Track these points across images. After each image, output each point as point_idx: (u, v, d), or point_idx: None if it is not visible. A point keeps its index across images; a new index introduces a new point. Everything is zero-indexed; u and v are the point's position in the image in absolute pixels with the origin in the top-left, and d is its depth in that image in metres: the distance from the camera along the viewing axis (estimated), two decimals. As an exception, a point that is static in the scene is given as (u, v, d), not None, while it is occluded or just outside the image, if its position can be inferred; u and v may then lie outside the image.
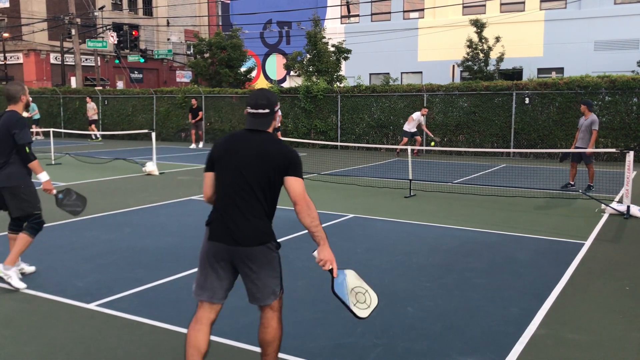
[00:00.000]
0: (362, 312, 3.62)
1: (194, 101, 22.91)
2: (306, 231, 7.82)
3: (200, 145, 22.99)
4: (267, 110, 3.50)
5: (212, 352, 4.16)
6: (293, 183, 3.42)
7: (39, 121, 26.78)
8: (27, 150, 5.39)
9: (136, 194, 11.02)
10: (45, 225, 8.11)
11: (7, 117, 5.44)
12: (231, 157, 3.46)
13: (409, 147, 12.42)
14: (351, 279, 3.69)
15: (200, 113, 22.76)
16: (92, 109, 25.79)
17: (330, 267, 3.51)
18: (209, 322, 3.57)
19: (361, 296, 3.67)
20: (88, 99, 25.99)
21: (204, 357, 3.49)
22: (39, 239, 7.40)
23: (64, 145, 23.15)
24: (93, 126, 25.54)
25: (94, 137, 25.72)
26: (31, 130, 26.81)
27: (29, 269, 5.90)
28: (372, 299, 3.72)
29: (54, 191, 5.76)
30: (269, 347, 3.65)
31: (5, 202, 5.55)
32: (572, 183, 11.78)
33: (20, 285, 5.46)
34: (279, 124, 21.01)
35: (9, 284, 5.45)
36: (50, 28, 37.82)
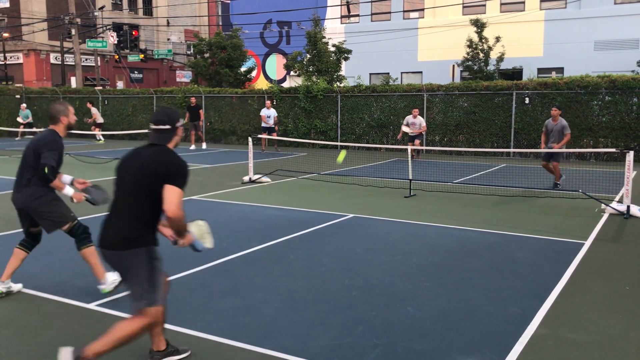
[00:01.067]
0: (210, 243, 4.05)
1: (193, 99, 22.18)
2: (306, 231, 7.84)
3: (204, 146, 22.52)
4: (167, 127, 3.77)
5: (212, 352, 4.17)
6: (168, 192, 3.54)
7: (32, 124, 26.76)
8: (46, 171, 5.14)
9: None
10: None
11: (42, 135, 5.38)
12: (123, 169, 3.75)
13: (409, 147, 12.43)
14: (194, 230, 3.95)
15: (200, 112, 22.16)
16: (96, 113, 25.63)
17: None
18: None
19: (203, 229, 4.03)
20: (89, 104, 25.67)
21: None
22: (39, 239, 7.41)
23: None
24: (98, 129, 25.31)
25: (97, 139, 25.62)
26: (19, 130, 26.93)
27: (16, 286, 5.56)
28: (204, 225, 4.06)
29: (84, 199, 5.51)
30: (110, 332, 3.63)
31: (35, 221, 5.39)
32: (559, 182, 11.93)
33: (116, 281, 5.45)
34: (280, 126, 20.74)
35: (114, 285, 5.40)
36: (50, 28, 37.81)
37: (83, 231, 5.43)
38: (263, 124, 20.36)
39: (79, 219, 5.52)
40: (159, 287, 3.69)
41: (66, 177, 5.47)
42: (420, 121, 17.05)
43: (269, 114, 20.19)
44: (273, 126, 20.38)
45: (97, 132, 24.53)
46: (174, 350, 4.10)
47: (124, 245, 3.58)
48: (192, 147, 21.98)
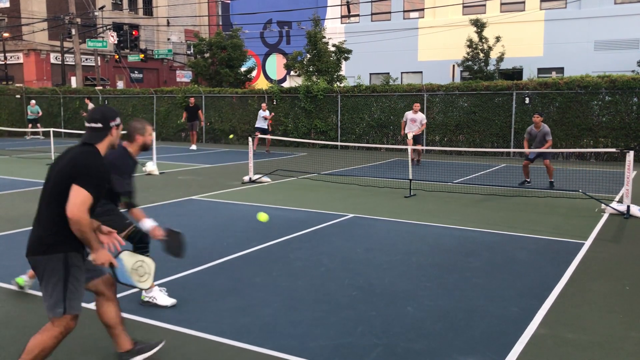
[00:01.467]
0: (146, 283, 4.03)
1: (192, 99, 21.94)
2: (306, 231, 7.84)
3: (193, 147, 21.93)
4: (99, 125, 3.65)
5: (212, 352, 4.17)
6: (72, 192, 3.34)
7: (38, 120, 26.77)
8: (123, 196, 5.37)
9: (136, 194, 11.00)
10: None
11: (114, 154, 4.79)
12: (51, 169, 3.56)
13: (409, 147, 12.42)
14: (127, 260, 3.89)
15: (200, 112, 21.99)
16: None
17: (109, 262, 3.58)
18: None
19: (141, 269, 3.97)
20: (87, 100, 25.92)
21: None
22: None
23: (64, 145, 23.15)
24: None
25: None
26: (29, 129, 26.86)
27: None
28: (150, 265, 4.07)
29: (161, 234, 5.38)
30: (26, 350, 3.49)
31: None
32: (529, 180, 12.29)
33: (166, 301, 5.11)
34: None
35: (156, 304, 5.09)
36: (50, 28, 37.82)
37: (144, 242, 5.38)
38: (256, 125, 20.06)
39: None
40: (72, 296, 3.47)
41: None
42: (422, 117, 15.88)
43: (263, 114, 20.00)
44: (266, 128, 20.07)
45: None
46: (144, 347, 3.98)
47: (41, 250, 3.41)
48: (193, 147, 21.80)
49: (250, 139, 13.42)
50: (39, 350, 3.47)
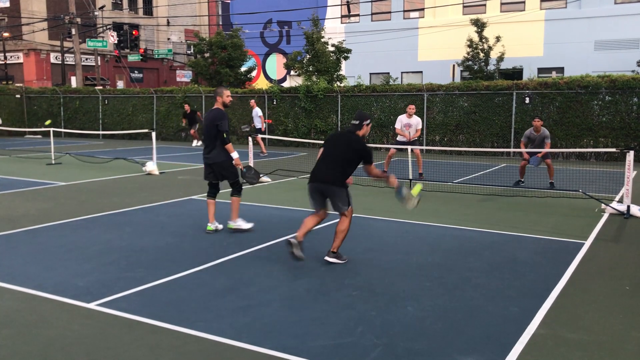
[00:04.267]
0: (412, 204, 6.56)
1: (187, 106, 22.84)
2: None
3: (196, 143, 23.00)
4: (357, 122, 6.38)
5: (212, 352, 4.17)
6: (366, 163, 6.42)
7: None
8: (225, 135, 7.45)
9: (136, 194, 11.02)
10: (45, 225, 8.10)
11: (213, 113, 7.54)
12: (331, 143, 6.51)
13: (409, 147, 12.38)
14: (404, 190, 6.56)
15: (198, 114, 22.68)
16: None
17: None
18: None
19: (414, 199, 6.53)
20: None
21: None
22: (39, 239, 7.41)
23: (64, 144, 23.16)
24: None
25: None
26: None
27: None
28: (414, 194, 6.55)
29: (241, 166, 7.71)
30: (336, 233, 6.45)
31: (215, 173, 7.68)
32: (523, 180, 12.42)
33: (249, 225, 7.79)
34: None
35: (241, 229, 7.72)
36: (50, 28, 37.81)
37: (239, 187, 7.77)
38: (259, 125, 19.91)
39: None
40: (350, 200, 6.36)
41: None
42: (417, 122, 13.34)
43: (254, 113, 19.88)
44: (259, 127, 19.85)
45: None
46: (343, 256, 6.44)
47: (338, 184, 6.23)
48: (198, 143, 22.58)
49: (250, 139, 13.40)
50: (345, 231, 6.36)
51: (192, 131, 23.00)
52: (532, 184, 12.29)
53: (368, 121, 6.39)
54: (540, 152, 11.70)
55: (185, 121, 22.72)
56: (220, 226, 7.87)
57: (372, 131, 21.64)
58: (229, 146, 7.52)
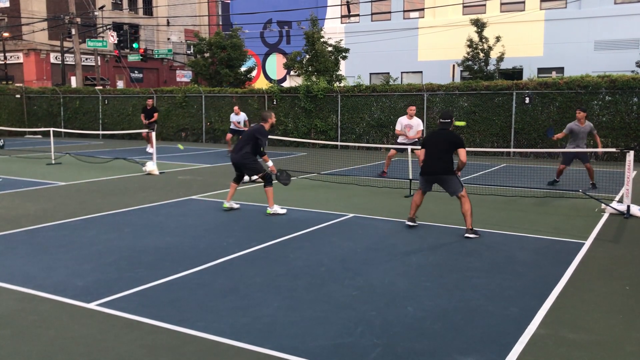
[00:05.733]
0: None
1: (149, 101, 20.44)
2: (306, 231, 7.83)
3: (149, 149, 19.50)
4: (448, 120, 7.85)
5: (212, 352, 4.17)
6: (461, 151, 7.73)
7: None
8: (262, 149, 9.15)
9: (136, 194, 11.02)
10: (45, 225, 8.11)
11: (257, 127, 9.25)
12: (431, 142, 7.97)
13: (409, 148, 12.37)
14: None
15: (155, 115, 20.13)
16: None
17: None
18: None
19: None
20: (236, 108, 20.18)
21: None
22: (39, 239, 7.41)
23: (64, 145, 23.16)
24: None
25: None
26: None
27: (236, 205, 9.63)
28: None
29: (275, 170, 9.35)
30: (464, 213, 7.71)
31: (241, 169, 9.35)
32: (558, 180, 12.30)
33: (284, 210, 9.16)
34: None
35: (278, 213, 9.02)
36: (50, 28, 37.81)
37: (267, 178, 9.17)
38: (233, 126, 18.70)
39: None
40: (462, 183, 7.78)
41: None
42: (418, 123, 13.24)
43: (238, 119, 18.62)
44: (245, 129, 17.58)
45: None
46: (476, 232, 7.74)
47: (449, 172, 7.70)
48: (150, 150, 19.27)
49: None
50: (468, 207, 7.59)
51: (148, 134, 19.24)
52: (532, 184, 12.28)
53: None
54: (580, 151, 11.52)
55: (144, 117, 20.04)
56: (236, 205, 9.56)
57: (371, 131, 21.67)
58: (265, 157, 9.26)
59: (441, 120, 7.88)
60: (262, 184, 9.41)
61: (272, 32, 38.59)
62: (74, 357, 4.08)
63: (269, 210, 9.07)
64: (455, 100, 20.17)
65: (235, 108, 19.24)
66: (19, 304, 5.10)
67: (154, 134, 16.59)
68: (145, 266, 6.24)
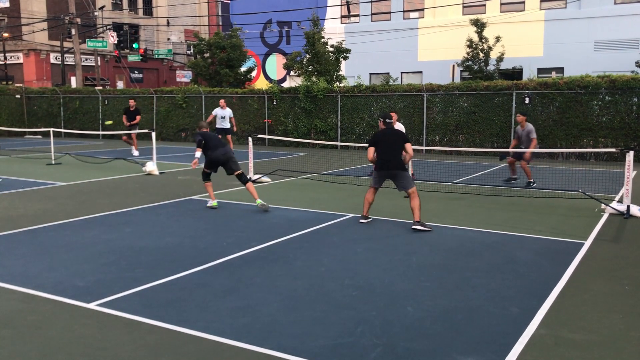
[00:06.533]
0: None
1: (132, 102, 19.93)
2: (306, 231, 7.84)
3: (135, 152, 19.67)
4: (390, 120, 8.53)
5: (212, 352, 4.17)
6: (408, 145, 8.31)
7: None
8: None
9: (136, 194, 11.02)
10: (45, 225, 8.11)
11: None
12: (386, 138, 8.38)
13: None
14: None
15: (138, 117, 19.61)
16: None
17: None
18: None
19: None
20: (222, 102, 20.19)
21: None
22: (39, 239, 7.41)
23: (63, 145, 23.16)
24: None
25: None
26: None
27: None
28: None
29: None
30: (413, 207, 8.14)
31: (227, 164, 9.82)
32: (515, 177, 12.59)
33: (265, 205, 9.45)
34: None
35: (264, 204, 9.38)
36: (50, 28, 37.81)
37: (246, 177, 9.74)
38: (217, 125, 18.19)
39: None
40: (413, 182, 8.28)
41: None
42: (400, 128, 12.29)
43: (223, 114, 18.19)
44: (229, 127, 18.33)
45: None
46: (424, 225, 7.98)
47: (401, 167, 8.16)
48: (135, 153, 19.54)
49: (250, 139, 13.38)
50: (419, 205, 8.01)
51: (132, 136, 19.53)
52: (518, 182, 12.28)
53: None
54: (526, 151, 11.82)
55: (126, 118, 19.45)
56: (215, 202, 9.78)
57: (371, 131, 21.63)
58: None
59: (387, 120, 8.42)
60: (245, 183, 9.73)
61: (272, 33, 38.59)
62: (74, 357, 4.08)
63: (259, 201, 9.47)
64: (455, 100, 20.17)
65: (222, 102, 18.69)
66: (19, 304, 5.10)
67: (129, 136, 15.98)
68: (145, 266, 6.24)
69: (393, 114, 12.89)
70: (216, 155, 9.71)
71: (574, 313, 4.94)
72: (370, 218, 8.55)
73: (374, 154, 8.26)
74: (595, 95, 17.90)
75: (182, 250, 6.91)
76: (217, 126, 18.26)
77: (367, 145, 8.63)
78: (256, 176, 12.74)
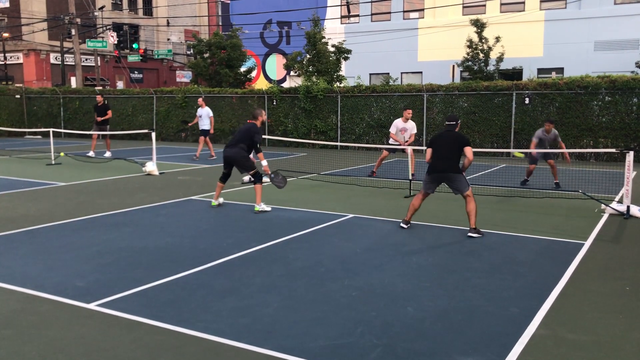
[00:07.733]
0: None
1: (99, 97, 18.85)
2: (306, 231, 7.84)
3: (107, 154, 18.89)
4: (453, 122, 8.10)
5: (212, 352, 4.17)
6: (468, 150, 7.91)
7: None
8: (258, 146, 9.36)
9: (136, 194, 11.02)
10: (45, 225, 8.10)
11: (252, 125, 9.47)
12: (442, 141, 8.09)
13: (409, 148, 12.37)
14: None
15: (109, 112, 18.76)
16: None
17: None
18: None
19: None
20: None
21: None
22: (39, 239, 7.41)
23: (63, 145, 23.15)
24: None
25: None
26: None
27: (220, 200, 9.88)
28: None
29: (269, 172, 9.63)
30: (469, 212, 7.84)
31: (230, 165, 9.53)
32: (528, 179, 12.53)
33: (268, 208, 9.35)
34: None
35: (264, 210, 9.23)
36: (50, 28, 37.81)
37: (257, 176, 9.44)
38: (204, 127, 17.81)
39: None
40: (468, 184, 7.87)
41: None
42: (412, 126, 13.37)
43: (200, 113, 17.86)
44: (207, 129, 17.83)
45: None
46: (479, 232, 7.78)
47: (457, 170, 7.80)
48: (108, 154, 18.79)
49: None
50: (475, 210, 7.70)
51: (96, 137, 18.69)
52: (533, 184, 12.29)
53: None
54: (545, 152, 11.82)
55: (98, 117, 18.50)
56: (222, 199, 9.87)
57: (371, 131, 21.67)
58: (261, 155, 9.36)
59: (447, 122, 8.09)
60: (255, 184, 9.50)
61: (272, 33, 38.59)
62: (74, 357, 4.08)
63: (257, 208, 9.27)
64: (455, 100, 20.17)
65: (200, 100, 18.28)
66: (19, 304, 5.10)
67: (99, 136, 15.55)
68: (145, 266, 6.24)
69: (408, 111, 13.39)
70: (224, 153, 9.60)
71: (574, 313, 4.94)
72: (410, 224, 8.20)
73: (430, 155, 8.02)
74: (595, 95, 17.90)
75: (182, 251, 6.91)
76: (202, 127, 17.87)
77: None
78: (247, 174, 12.71)
